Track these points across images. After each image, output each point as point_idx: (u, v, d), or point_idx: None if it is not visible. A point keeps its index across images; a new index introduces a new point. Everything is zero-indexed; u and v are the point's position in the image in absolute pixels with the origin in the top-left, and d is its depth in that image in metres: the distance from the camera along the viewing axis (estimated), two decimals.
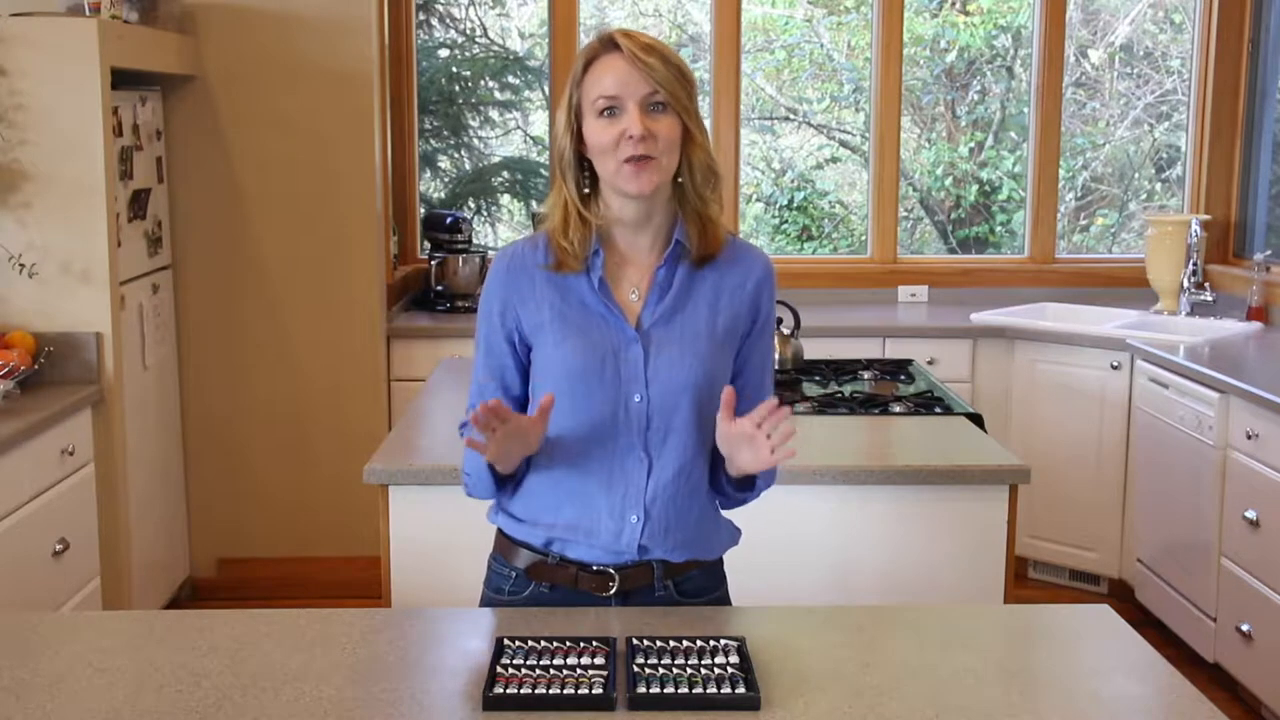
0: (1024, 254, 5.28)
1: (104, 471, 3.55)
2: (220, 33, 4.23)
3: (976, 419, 3.07)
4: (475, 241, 5.16)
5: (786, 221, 5.81)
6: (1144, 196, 5.82)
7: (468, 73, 5.60)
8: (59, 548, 3.26)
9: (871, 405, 3.20)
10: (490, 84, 5.61)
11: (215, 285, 4.33)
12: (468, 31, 5.61)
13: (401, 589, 2.64)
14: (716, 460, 1.90)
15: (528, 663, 1.64)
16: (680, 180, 1.84)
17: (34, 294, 3.49)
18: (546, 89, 5.45)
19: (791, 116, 5.91)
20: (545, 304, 1.85)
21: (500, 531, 1.97)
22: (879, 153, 5.17)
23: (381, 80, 4.44)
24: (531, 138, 5.65)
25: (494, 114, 5.65)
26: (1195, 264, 4.70)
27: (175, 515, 4.30)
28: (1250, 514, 3.43)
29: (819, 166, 5.92)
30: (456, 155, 5.70)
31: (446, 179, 5.69)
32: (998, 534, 2.65)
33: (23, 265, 3.45)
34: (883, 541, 2.68)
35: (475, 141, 5.67)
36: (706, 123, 1.99)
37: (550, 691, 1.56)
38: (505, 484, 1.90)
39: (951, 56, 5.60)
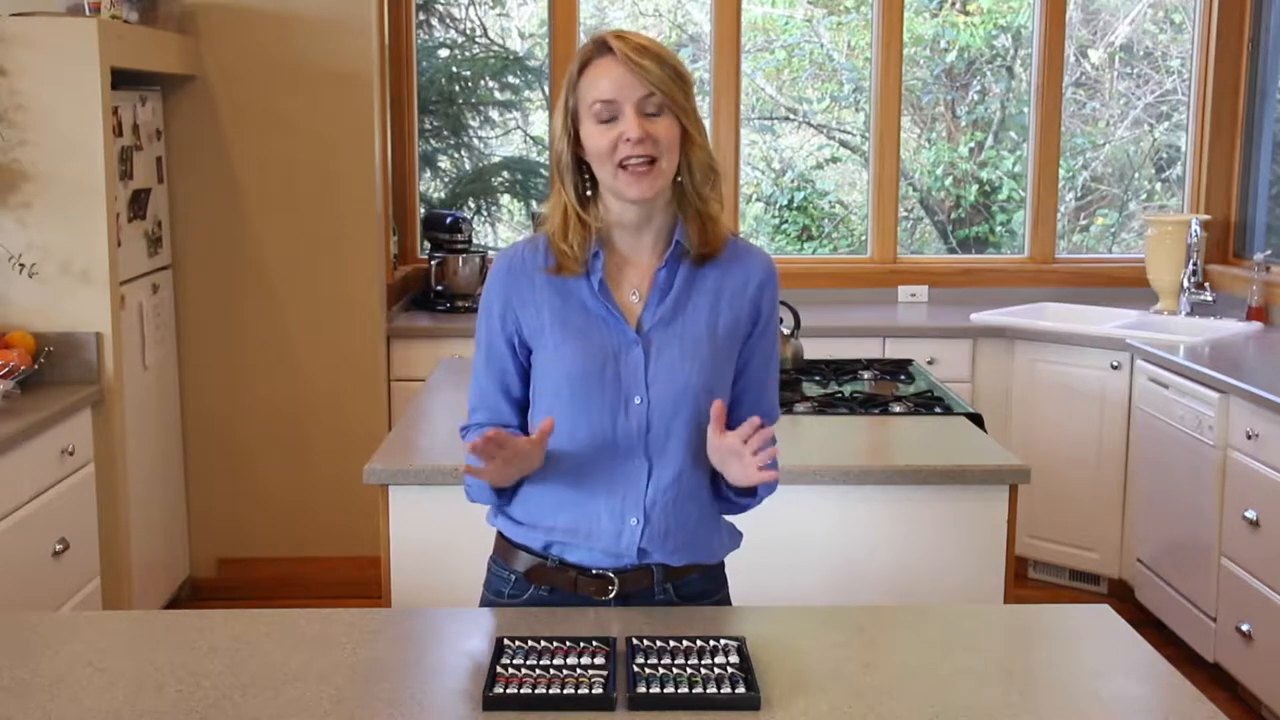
0: (1024, 254, 5.28)
1: (104, 471, 3.55)
2: (220, 33, 4.23)
3: (976, 419, 3.07)
4: (475, 241, 5.16)
5: (786, 221, 5.81)
6: (1144, 196, 5.82)
7: (468, 73, 5.60)
8: (59, 548, 3.26)
9: (871, 405, 3.20)
10: (490, 84, 5.61)
11: (215, 285, 4.33)
12: (468, 31, 5.61)
13: (401, 589, 2.64)
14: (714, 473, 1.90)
15: (528, 663, 1.64)
16: (680, 180, 1.83)
17: (34, 294, 3.49)
18: (546, 89, 5.45)
19: (791, 116, 5.91)
20: (545, 306, 1.85)
21: (500, 534, 1.96)
22: (879, 153, 5.17)
23: (381, 80, 4.44)
24: (531, 138, 5.65)
25: (494, 114, 5.65)
26: (1195, 264, 4.70)
27: (175, 515, 4.30)
28: (1250, 514, 3.43)
29: (819, 166, 5.92)
30: (456, 155, 5.70)
31: (446, 179, 5.69)
32: (998, 534, 2.65)
33: (23, 265, 3.45)
34: (883, 541, 2.68)
35: (475, 141, 5.67)
36: (706, 123, 1.98)
37: (550, 691, 1.56)
38: (505, 491, 1.91)
39: (951, 56, 5.60)
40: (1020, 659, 1.80)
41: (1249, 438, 3.45)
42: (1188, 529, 3.80)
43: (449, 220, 4.93)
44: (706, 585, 1.95)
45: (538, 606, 1.90)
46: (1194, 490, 3.74)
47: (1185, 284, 4.71)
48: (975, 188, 5.65)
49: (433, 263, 4.89)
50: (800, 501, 2.62)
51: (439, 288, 4.86)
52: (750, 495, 1.91)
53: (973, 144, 5.70)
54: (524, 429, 1.94)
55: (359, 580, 4.00)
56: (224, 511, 4.43)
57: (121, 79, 3.69)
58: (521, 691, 1.56)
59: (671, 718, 1.54)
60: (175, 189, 4.28)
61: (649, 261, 1.87)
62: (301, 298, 4.35)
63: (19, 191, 3.45)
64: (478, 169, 5.67)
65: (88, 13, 3.56)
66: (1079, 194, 5.71)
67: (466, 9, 5.56)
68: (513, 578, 1.92)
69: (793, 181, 5.84)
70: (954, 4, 5.60)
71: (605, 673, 1.61)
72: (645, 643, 1.70)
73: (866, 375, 3.59)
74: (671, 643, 1.69)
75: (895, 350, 4.41)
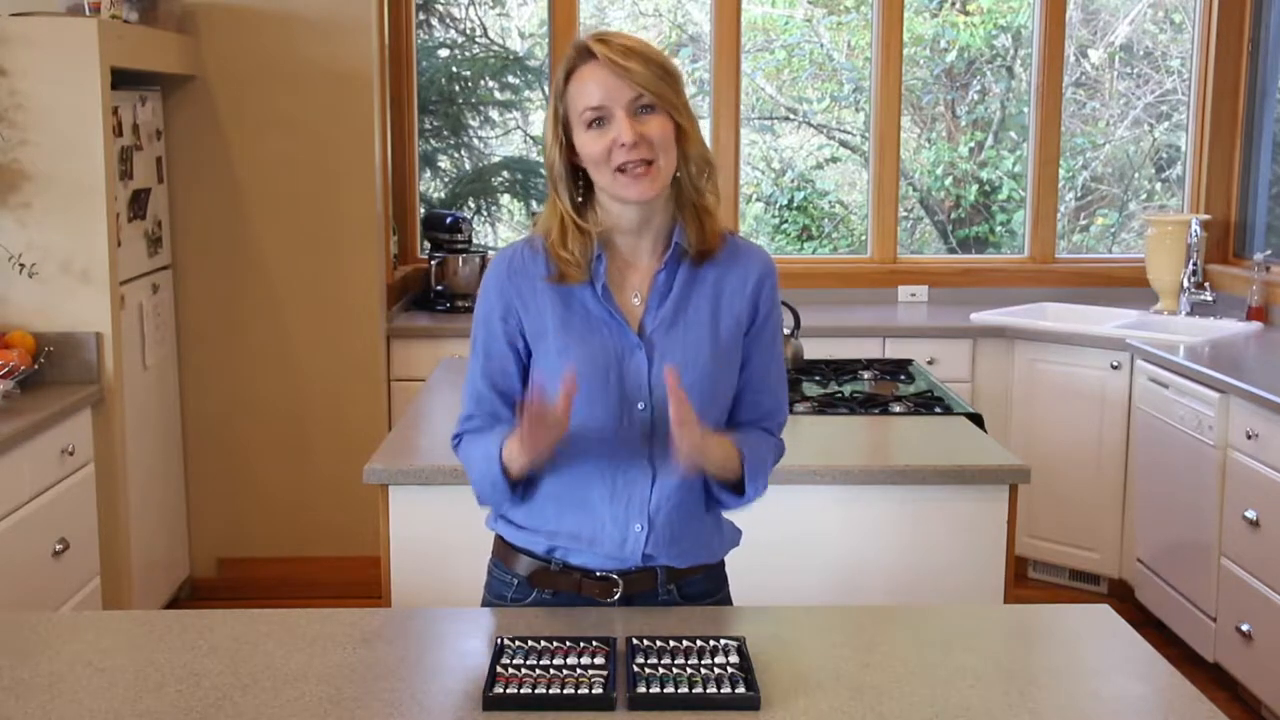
0: (1024, 254, 5.28)
1: (104, 471, 3.55)
2: (220, 33, 4.23)
3: (976, 419, 3.07)
4: (475, 241, 5.16)
5: (786, 221, 5.81)
6: (1144, 196, 5.82)
7: (468, 73, 5.60)
8: (59, 548, 3.26)
9: (871, 405, 3.20)
10: (490, 84, 5.61)
11: (215, 285, 4.33)
12: (468, 31, 5.61)
13: (401, 589, 2.64)
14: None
15: (528, 663, 1.64)
16: (678, 174, 1.81)
17: (34, 294, 3.49)
18: (546, 89, 5.45)
19: (791, 116, 5.91)
20: (547, 310, 1.82)
21: (499, 537, 1.95)
22: (879, 153, 5.17)
23: (381, 80, 4.44)
24: (531, 137, 5.65)
25: (494, 114, 5.65)
26: (1195, 264, 4.70)
27: (175, 515, 4.30)
28: (1250, 514, 3.43)
29: (819, 166, 5.92)
30: (456, 155, 5.70)
31: (446, 179, 5.69)
32: (998, 534, 2.65)
33: (23, 265, 3.45)
34: (883, 542, 2.68)
35: (475, 141, 5.67)
36: (705, 123, 1.97)
37: (550, 691, 1.56)
38: (519, 489, 1.86)
39: (951, 56, 5.60)
40: (1020, 659, 1.80)
41: (1249, 438, 3.45)
42: (1188, 529, 3.80)
43: (449, 220, 4.93)
44: (708, 585, 1.95)
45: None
46: (1194, 490, 3.74)
47: (1185, 284, 4.71)
48: (975, 188, 5.65)
49: (433, 263, 4.89)
50: (800, 501, 2.62)
51: (439, 288, 4.86)
52: (739, 495, 1.88)
53: (973, 144, 5.70)
54: None
55: (359, 580, 3.99)
56: (224, 511, 4.43)
57: (121, 79, 3.69)
58: (521, 691, 1.56)
59: (671, 718, 1.54)
60: (175, 189, 4.28)
61: (649, 264, 1.85)
62: (301, 298, 4.35)
63: (19, 191, 3.45)
64: (478, 169, 5.67)
65: (88, 13, 3.56)
66: (1079, 194, 5.71)
67: (466, 9, 5.56)
68: (515, 582, 1.91)
69: (793, 181, 5.84)
70: (954, 4, 5.60)
71: (605, 673, 1.61)
72: (645, 643, 1.69)
73: (866, 375, 3.59)
74: (671, 643, 1.69)
75: (895, 350, 4.41)
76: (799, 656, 1.72)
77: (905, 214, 5.55)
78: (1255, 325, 4.45)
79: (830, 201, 5.88)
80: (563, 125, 1.80)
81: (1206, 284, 4.72)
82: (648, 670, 1.62)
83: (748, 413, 1.91)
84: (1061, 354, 4.40)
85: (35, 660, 1.70)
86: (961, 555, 2.66)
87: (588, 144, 1.76)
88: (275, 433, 4.41)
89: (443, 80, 5.56)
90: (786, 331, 3.46)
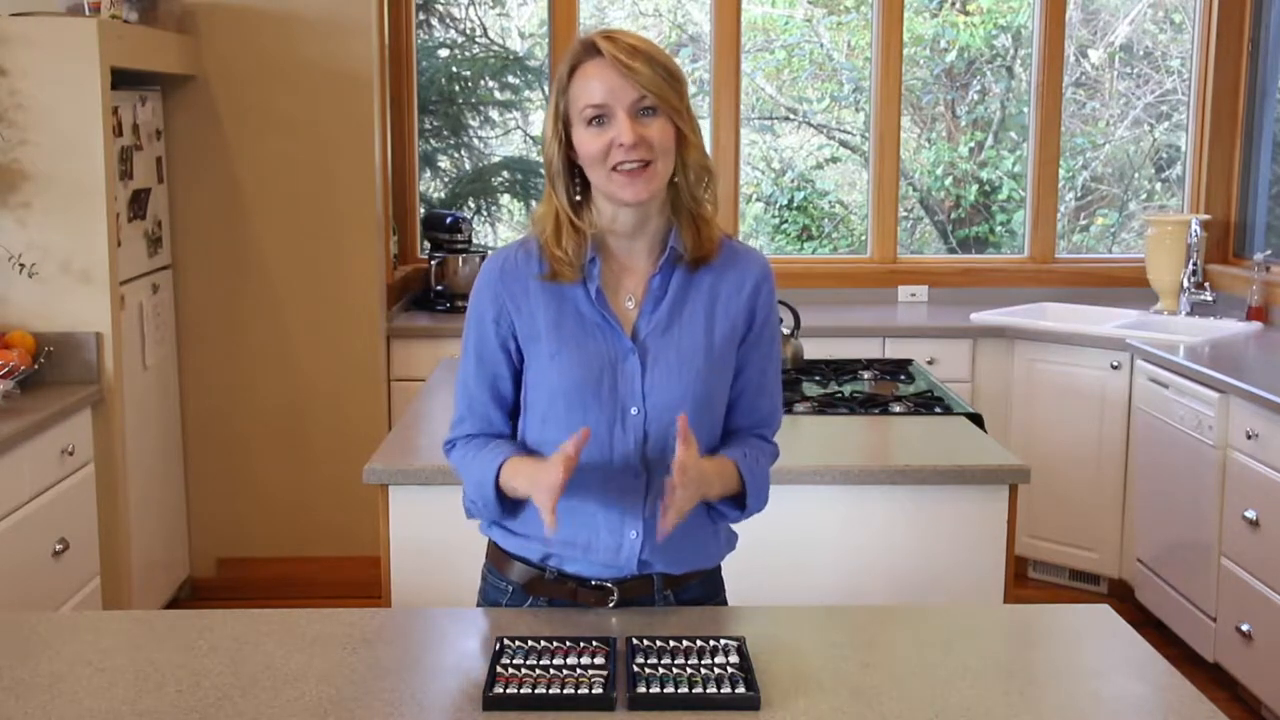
0: (1024, 254, 5.28)
1: (104, 471, 3.55)
2: (220, 33, 4.23)
3: (976, 419, 3.07)
4: (475, 241, 5.16)
5: (786, 221, 5.81)
6: (1144, 196, 5.82)
7: (468, 73, 5.60)
8: (59, 548, 3.26)
9: (871, 405, 3.20)
10: (490, 84, 5.61)
11: (215, 285, 4.33)
12: (468, 31, 5.61)
13: (401, 589, 2.64)
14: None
15: (528, 663, 1.64)
16: (675, 180, 1.79)
17: (34, 294, 3.49)
18: (546, 89, 5.45)
19: (791, 116, 5.91)
20: (540, 312, 1.80)
21: (493, 544, 1.93)
22: (879, 153, 5.17)
23: (381, 80, 4.44)
24: (531, 137, 5.65)
25: (494, 114, 5.65)
26: (1195, 264, 4.70)
27: (175, 515, 4.30)
28: (1250, 514, 3.43)
29: (819, 166, 5.92)
30: (456, 155, 5.70)
31: (446, 179, 5.69)
32: (998, 534, 2.65)
33: (23, 265, 3.45)
34: (882, 542, 2.68)
35: (475, 141, 5.67)
36: (705, 123, 1.95)
37: (550, 691, 1.56)
38: (511, 506, 1.85)
39: (951, 56, 5.60)
40: (1020, 659, 1.80)
41: (1249, 438, 3.45)
42: (1188, 529, 3.80)
43: (449, 220, 4.93)
44: (705, 590, 1.94)
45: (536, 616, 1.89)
46: (1194, 490, 3.74)
47: (1185, 284, 4.71)
48: (975, 188, 5.65)
49: (433, 263, 4.89)
50: (800, 501, 2.62)
51: (439, 288, 4.86)
52: (739, 509, 1.88)
53: (973, 144, 5.70)
54: (513, 439, 1.89)
55: (359, 580, 3.99)
56: (224, 511, 4.43)
57: (121, 79, 3.69)
58: (521, 691, 1.56)
59: (671, 718, 1.54)
60: (175, 189, 4.28)
61: (644, 267, 1.83)
62: (301, 298, 4.35)
63: (19, 191, 3.45)
64: (478, 169, 5.67)
65: (88, 13, 3.57)
66: (1079, 194, 5.71)
67: (466, 9, 5.56)
68: (510, 589, 1.90)
69: (793, 181, 5.84)
70: (954, 4, 5.60)
71: (605, 673, 1.61)
72: (645, 643, 1.69)
73: (866, 375, 3.59)
74: (671, 643, 1.69)
75: (895, 350, 4.41)
76: (799, 656, 1.72)
77: (905, 214, 5.55)
78: (1255, 325, 4.45)
79: (830, 201, 5.88)
80: (563, 121, 1.78)
81: (1206, 284, 4.72)
82: (647, 670, 1.62)
83: (744, 418, 1.90)
84: (1061, 354, 4.40)
85: (35, 660, 1.70)
86: (961, 555, 2.66)
87: (586, 141, 1.74)
88: (275, 433, 4.41)
89: (443, 80, 5.56)
90: (786, 331, 3.46)
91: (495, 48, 5.62)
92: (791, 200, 5.81)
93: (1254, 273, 4.53)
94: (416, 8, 5.13)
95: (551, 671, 1.61)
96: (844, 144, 5.88)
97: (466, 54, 5.62)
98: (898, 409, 3.16)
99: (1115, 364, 4.25)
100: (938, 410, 3.14)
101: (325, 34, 4.25)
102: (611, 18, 5.54)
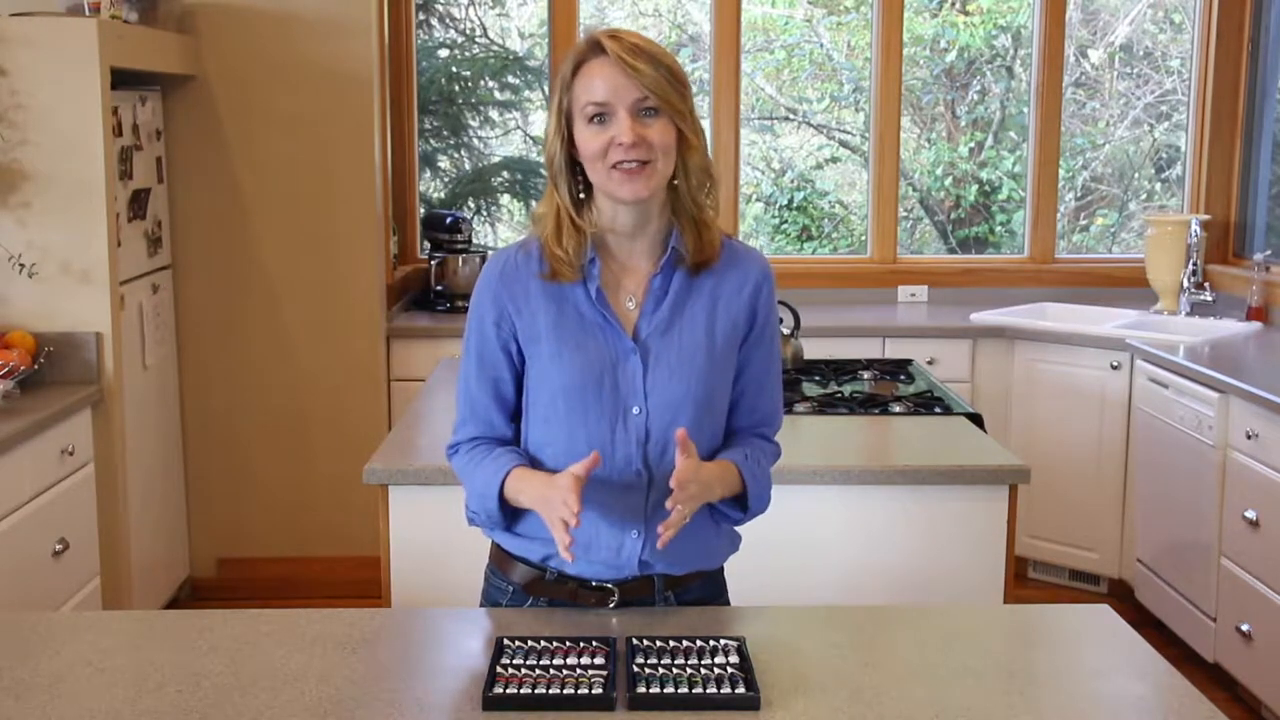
0: (1024, 254, 5.28)
1: (104, 471, 3.55)
2: (220, 33, 4.23)
3: (976, 419, 3.07)
4: (475, 241, 5.16)
5: (786, 221, 5.81)
6: (1144, 196, 5.82)
7: (468, 73, 5.60)
8: (59, 548, 3.26)
9: (871, 405, 3.20)
10: (490, 84, 5.61)
11: (215, 285, 4.33)
12: (468, 31, 5.61)
13: (401, 589, 2.64)
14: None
15: (528, 663, 1.64)
16: (676, 183, 1.79)
17: (34, 294, 3.49)
18: (546, 89, 5.45)
19: (791, 116, 5.91)
20: (540, 313, 1.80)
21: (495, 545, 1.93)
22: (879, 153, 5.17)
23: (381, 80, 4.44)
24: (531, 138, 5.65)
25: (494, 114, 5.65)
26: (1195, 264, 4.70)
27: (175, 515, 4.30)
28: (1250, 514, 3.43)
29: (819, 166, 5.92)
30: (456, 155, 5.70)
31: (446, 179, 5.69)
32: (998, 534, 2.65)
33: (23, 265, 3.45)
34: (882, 542, 2.68)
35: (475, 141, 5.67)
36: (706, 123, 1.94)
37: (550, 691, 1.56)
38: (513, 519, 1.86)
39: (951, 56, 5.60)
40: (1020, 659, 1.80)
41: (1249, 438, 3.45)
42: (1188, 529, 3.80)
43: (449, 220, 4.93)
44: (706, 591, 1.93)
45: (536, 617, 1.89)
46: (1194, 490, 3.74)
47: (1185, 284, 4.71)
48: (975, 188, 5.65)
49: (433, 263, 4.89)
50: (800, 502, 2.62)
51: (439, 288, 4.87)
52: (741, 510, 1.88)
53: (973, 144, 5.70)
54: (515, 441, 1.90)
55: (359, 580, 3.99)
56: (224, 511, 4.43)
57: (121, 79, 3.69)
58: (521, 691, 1.56)
59: (671, 718, 1.54)
60: (175, 189, 4.28)
61: (645, 268, 1.83)
62: (301, 298, 4.35)
63: (19, 191, 3.45)
64: (477, 169, 5.67)
65: (88, 13, 3.57)
66: (1079, 194, 5.71)
67: (466, 9, 5.56)
68: (510, 589, 1.90)
69: (793, 181, 5.84)
70: (954, 4, 5.60)
71: (605, 673, 1.61)
72: (645, 643, 1.69)
73: (866, 375, 3.59)
74: (671, 643, 1.69)
75: (895, 350, 4.41)
76: (799, 656, 1.72)
77: (905, 214, 5.56)
78: (1255, 325, 4.45)
79: (830, 201, 5.88)
80: (565, 118, 1.78)
81: (1206, 284, 4.72)
82: (647, 670, 1.62)
83: (745, 418, 1.91)
84: (1061, 354, 4.40)
85: (35, 660, 1.70)
86: (961, 555, 2.66)
87: (587, 139, 1.74)
88: (275, 433, 4.41)
89: (443, 80, 5.56)
90: (786, 331, 3.46)
91: (495, 48, 5.62)
92: (791, 200, 5.81)
93: (1254, 273, 4.53)
94: (416, 8, 5.13)
95: (551, 671, 1.61)
96: (844, 144, 5.88)
97: (466, 54, 5.62)
98: (898, 409, 3.16)
99: (1115, 364, 4.25)
100: (938, 410, 3.14)
101: (325, 34, 4.25)
102: (611, 18, 5.54)
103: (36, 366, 3.43)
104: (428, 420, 3.08)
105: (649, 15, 5.68)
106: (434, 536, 2.60)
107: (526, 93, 5.67)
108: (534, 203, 5.53)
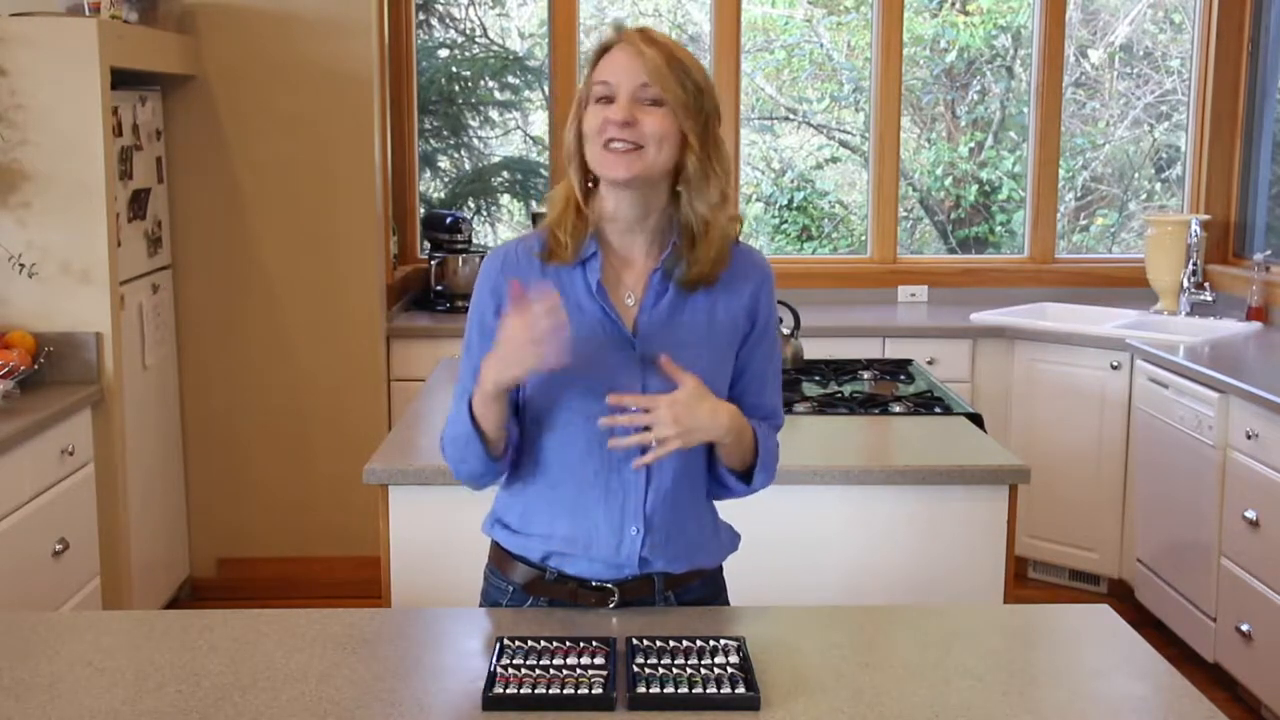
0: (1024, 254, 5.28)
1: (104, 471, 3.55)
2: (220, 33, 4.23)
3: (976, 419, 3.07)
4: (475, 241, 5.16)
5: (786, 221, 5.81)
6: (1144, 196, 5.82)
7: (468, 73, 5.60)
8: (59, 548, 3.26)
9: (871, 405, 3.20)
10: (490, 84, 5.61)
11: (215, 285, 4.33)
12: (468, 31, 5.61)
13: (401, 589, 2.64)
14: (711, 450, 1.86)
15: (528, 663, 1.64)
16: (679, 189, 1.80)
17: (34, 294, 3.49)
18: (546, 89, 5.45)
19: (791, 116, 5.91)
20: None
21: (495, 544, 1.93)
22: (879, 153, 5.17)
23: (381, 80, 4.44)
24: (531, 138, 5.65)
25: (494, 114, 5.65)
26: (1195, 264, 4.70)
27: (175, 515, 4.30)
28: (1250, 514, 3.43)
29: (819, 166, 5.92)
30: (456, 155, 5.70)
31: (446, 179, 5.69)
32: (998, 534, 2.65)
33: (23, 265, 3.45)
34: (882, 542, 2.68)
35: (475, 141, 5.67)
36: None
37: (550, 691, 1.56)
38: (496, 451, 1.80)
39: (951, 56, 5.60)
40: (1020, 659, 1.80)
41: (1249, 438, 3.45)
42: (1188, 529, 3.80)
43: (449, 220, 4.93)
44: (706, 591, 1.93)
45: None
46: (1194, 490, 3.74)
47: (1185, 284, 4.71)
48: (975, 188, 5.65)
49: (433, 263, 4.89)
50: (800, 501, 2.62)
51: (439, 288, 4.87)
52: (745, 481, 1.88)
53: (973, 144, 5.70)
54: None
55: (359, 580, 3.99)
56: (224, 511, 4.43)
57: (121, 79, 3.69)
58: (521, 691, 1.56)
59: (671, 718, 1.54)
60: (175, 189, 4.28)
61: (644, 264, 1.84)
62: (301, 298, 4.35)
63: (19, 191, 3.45)
64: (477, 169, 5.67)
65: (88, 13, 3.57)
66: (1079, 194, 5.71)
67: (466, 9, 5.56)
68: (510, 589, 1.90)
69: (793, 181, 5.84)
70: (954, 4, 5.60)
71: (605, 673, 1.61)
72: (645, 643, 1.69)
73: (866, 375, 3.59)
74: (671, 643, 1.69)
75: (895, 350, 4.41)
76: (799, 656, 1.72)
77: (905, 214, 5.55)
78: (1255, 325, 4.45)
79: (830, 201, 5.88)
80: (582, 102, 1.80)
81: (1206, 284, 4.72)
82: (648, 670, 1.62)
83: (749, 416, 1.91)
84: (1061, 354, 4.40)
85: (35, 660, 1.70)
86: (961, 555, 2.66)
87: (588, 117, 1.76)
88: (275, 433, 4.41)
89: (443, 80, 5.56)
90: (786, 331, 3.46)
91: (495, 48, 5.62)
92: (791, 200, 5.81)
93: (1254, 273, 4.53)
94: (416, 8, 5.13)
95: (551, 672, 1.61)
96: (844, 144, 5.88)
97: (466, 54, 5.62)
98: (898, 409, 3.16)
99: (1115, 364, 4.25)
100: (938, 410, 3.14)
101: (325, 34, 4.25)
102: (611, 17, 5.54)
103: (36, 366, 3.43)
104: (428, 420, 3.08)
105: (649, 15, 5.68)
106: (434, 536, 2.61)
107: (526, 93, 5.67)
108: (534, 203, 5.54)
